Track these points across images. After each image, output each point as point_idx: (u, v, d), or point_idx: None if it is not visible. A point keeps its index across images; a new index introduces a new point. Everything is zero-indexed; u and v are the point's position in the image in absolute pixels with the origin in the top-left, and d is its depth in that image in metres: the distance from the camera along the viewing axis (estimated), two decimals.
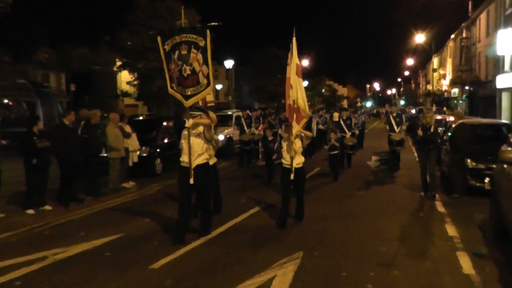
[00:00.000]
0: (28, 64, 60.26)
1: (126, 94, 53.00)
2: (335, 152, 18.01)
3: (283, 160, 11.58)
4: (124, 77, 53.86)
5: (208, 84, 10.41)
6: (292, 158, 11.27)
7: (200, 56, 10.27)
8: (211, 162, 11.78)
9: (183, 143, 10.29)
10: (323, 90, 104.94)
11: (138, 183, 16.57)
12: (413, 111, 50.81)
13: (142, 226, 11.68)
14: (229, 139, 25.53)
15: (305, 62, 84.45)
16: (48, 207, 13.00)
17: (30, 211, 12.56)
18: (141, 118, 26.11)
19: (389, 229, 11.01)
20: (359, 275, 8.08)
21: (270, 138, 17.37)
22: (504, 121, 27.86)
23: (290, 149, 11.24)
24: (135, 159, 16.78)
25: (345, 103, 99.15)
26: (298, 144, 11.32)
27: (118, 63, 48.80)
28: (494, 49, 39.33)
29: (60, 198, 13.51)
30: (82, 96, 55.46)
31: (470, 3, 46.91)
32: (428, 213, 12.51)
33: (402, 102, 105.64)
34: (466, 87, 52.97)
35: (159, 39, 10.66)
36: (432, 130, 14.45)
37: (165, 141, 20.16)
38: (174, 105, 47.35)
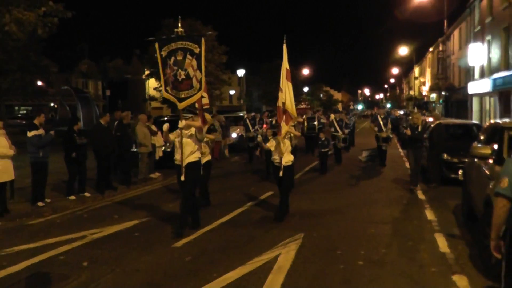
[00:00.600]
0: (71, 73, 60.62)
1: (153, 98, 52.95)
2: (325, 150, 17.71)
3: (273, 159, 10.89)
4: (152, 84, 54.06)
5: (200, 88, 9.79)
6: (281, 157, 10.57)
7: (194, 62, 9.68)
8: (205, 159, 11.39)
9: (176, 142, 9.71)
10: (321, 95, 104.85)
11: (163, 174, 16.54)
12: (401, 112, 50.37)
13: (166, 210, 11.66)
14: (240, 137, 25.52)
15: (306, 71, 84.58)
16: (87, 194, 13.01)
17: (72, 197, 12.58)
18: (165, 118, 26.11)
19: (377, 214, 10.97)
20: (351, 253, 8.04)
21: (269, 138, 16.43)
22: (474, 121, 27.90)
23: (279, 148, 10.59)
24: (161, 154, 16.78)
25: (339, 106, 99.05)
26: (287, 143, 10.70)
27: (147, 72, 48.99)
28: (466, 60, 39.67)
29: (97, 186, 13.53)
30: (116, 100, 55.67)
31: (445, 21, 47.19)
32: (410, 200, 12.45)
33: (388, 106, 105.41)
34: (443, 93, 53.07)
35: (156, 45, 10.05)
36: (419, 129, 13.81)
37: None
38: (195, 108, 47.50)
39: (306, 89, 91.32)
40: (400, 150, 25.54)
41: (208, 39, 45.41)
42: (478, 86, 37.01)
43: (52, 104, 53.94)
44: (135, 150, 15.53)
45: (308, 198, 12.88)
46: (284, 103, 10.68)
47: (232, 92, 71.62)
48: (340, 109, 77.40)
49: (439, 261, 7.59)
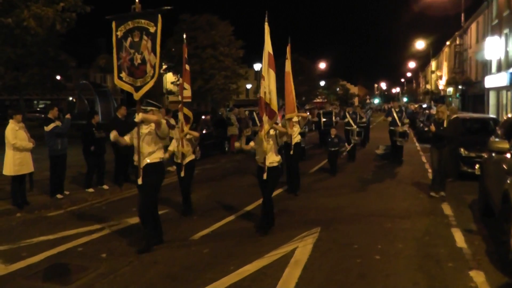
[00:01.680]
0: (90, 68, 61.00)
1: (170, 92, 53.31)
2: (335, 148, 16.07)
3: (256, 159, 9.35)
4: (169, 78, 54.30)
5: (154, 75, 8.07)
6: (264, 157, 8.95)
7: (149, 44, 8.01)
8: (188, 159, 10.50)
9: (134, 140, 8.25)
10: (338, 89, 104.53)
11: None
12: (424, 105, 49.64)
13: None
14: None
15: (322, 65, 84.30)
16: (105, 187, 13.09)
17: (91, 190, 12.66)
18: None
19: (393, 209, 10.90)
20: (368, 247, 8.01)
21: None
22: (491, 115, 27.70)
23: (262, 147, 8.92)
24: None
25: (356, 101, 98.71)
26: (271, 142, 9.06)
27: (164, 66, 49.12)
28: (483, 54, 39.28)
29: (115, 179, 13.60)
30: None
31: (462, 15, 46.94)
32: (426, 195, 12.35)
33: (405, 100, 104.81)
34: (459, 87, 52.64)
35: (113, 24, 8.36)
36: (445, 125, 12.17)
37: (204, 131, 20.22)
38: (211, 102, 47.61)
39: (322, 83, 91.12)
40: (417, 144, 25.41)
41: (225, 34, 45.51)
42: (495, 80, 36.70)
43: (70, 98, 54.32)
44: None
45: (324, 193, 12.86)
46: (266, 93, 9.20)
47: (248, 86, 71.66)
48: (357, 103, 77.12)
49: (456, 256, 7.53)
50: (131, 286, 6.47)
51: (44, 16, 18.79)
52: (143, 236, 8.17)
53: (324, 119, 24.21)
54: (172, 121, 16.01)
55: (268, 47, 9.35)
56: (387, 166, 17.95)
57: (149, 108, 8.17)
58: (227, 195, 12.70)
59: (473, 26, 48.29)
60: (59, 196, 11.83)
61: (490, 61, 39.16)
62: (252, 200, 11.57)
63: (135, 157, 8.11)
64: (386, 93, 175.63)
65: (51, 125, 11.53)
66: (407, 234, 8.82)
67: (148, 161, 8.01)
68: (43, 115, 41.50)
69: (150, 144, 8.05)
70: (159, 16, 7.93)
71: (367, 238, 8.59)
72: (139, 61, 8.11)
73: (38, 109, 54.53)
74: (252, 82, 70.68)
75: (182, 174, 10.03)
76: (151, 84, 8.12)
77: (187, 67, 10.77)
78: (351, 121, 20.04)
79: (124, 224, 9.67)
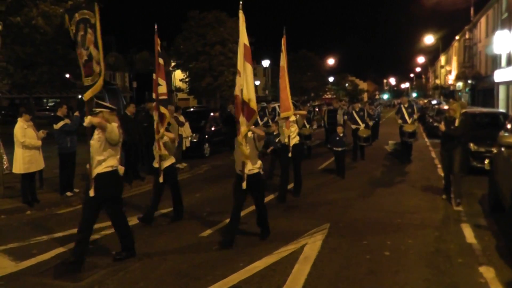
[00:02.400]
0: None
1: (179, 89, 53.38)
2: (342, 148, 14.46)
3: (235, 166, 8.46)
4: (178, 75, 54.41)
5: (100, 72, 7.20)
6: (243, 163, 8.02)
7: (93, 37, 7.13)
8: (168, 163, 9.70)
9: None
10: (347, 85, 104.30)
11: (190, 164, 16.63)
12: (434, 101, 49.20)
13: (193, 200, 11.73)
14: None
15: (331, 61, 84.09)
16: None
17: None
18: (192, 109, 26.22)
19: (403, 204, 10.89)
20: (377, 243, 8.01)
21: (275, 133, 13.30)
22: (501, 110, 27.58)
23: (240, 152, 8.00)
24: (188, 144, 16.90)
25: (365, 96, 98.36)
26: (250, 146, 8.06)
27: (173, 64, 49.22)
28: (492, 48, 39.04)
29: (125, 176, 13.61)
30: (143, 92, 55.99)
31: (472, 9, 46.69)
32: (436, 190, 12.29)
33: (414, 95, 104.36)
34: (469, 81, 52.41)
35: (66, 18, 7.64)
36: (456, 124, 10.85)
37: (213, 129, 20.31)
38: (220, 98, 47.69)
39: (331, 79, 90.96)
40: (426, 139, 25.31)
41: (234, 31, 45.49)
42: (505, 74, 36.48)
43: (79, 96, 54.48)
44: None
45: (333, 189, 12.86)
46: (242, 91, 8.02)
47: (257, 83, 71.67)
48: (366, 99, 76.88)
49: (466, 252, 7.51)
50: (141, 283, 6.49)
51: (52, 14, 18.84)
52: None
53: (328, 116, 22.48)
54: (181, 118, 16.04)
55: (243, 38, 8.17)
56: (396, 162, 17.86)
57: (98, 109, 7.30)
58: None
59: (483, 20, 48.04)
60: (68, 193, 11.88)
61: (500, 55, 38.99)
62: None
63: (87, 165, 7.32)
64: (395, 88, 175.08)
65: (60, 123, 11.56)
66: (417, 230, 8.80)
67: (98, 171, 7.17)
68: (52, 113, 41.83)
69: (98, 150, 7.20)
70: (95, 4, 7.10)
71: (377, 234, 8.58)
72: (85, 57, 7.37)
73: (47, 107, 54.74)
74: (260, 79, 70.73)
75: (161, 179, 9.39)
76: (100, 82, 7.26)
77: (161, 61, 9.91)
78: (358, 119, 18.36)
79: (134, 221, 9.68)
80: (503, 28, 37.26)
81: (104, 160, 7.19)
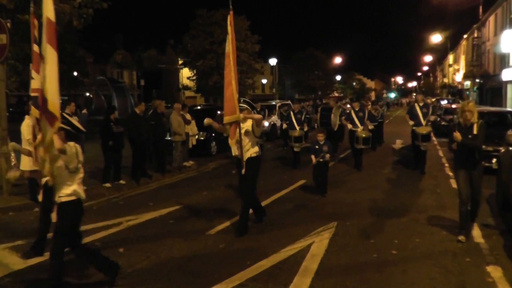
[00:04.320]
0: (107, 64, 61.32)
1: (186, 87, 53.39)
2: (321, 159, 11.71)
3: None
4: (185, 74, 54.58)
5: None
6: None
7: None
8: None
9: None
10: (354, 83, 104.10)
11: (197, 162, 16.63)
12: (444, 101, 48.72)
13: (200, 198, 11.74)
14: (273, 126, 25.49)
15: (338, 59, 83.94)
16: (122, 182, 13.16)
17: (108, 185, 12.73)
18: (199, 107, 26.28)
19: (410, 203, 10.84)
20: (385, 242, 7.99)
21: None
22: (509, 109, 27.49)
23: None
24: (194, 142, 16.88)
25: (373, 95, 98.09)
26: (60, 163, 5.89)
27: (180, 62, 49.37)
28: (501, 47, 38.93)
29: (133, 174, 13.65)
30: (151, 90, 56.18)
31: (480, 7, 46.55)
32: (443, 189, 12.25)
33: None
34: (477, 80, 52.22)
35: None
36: (475, 131, 7.98)
37: None
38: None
39: (338, 78, 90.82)
40: (434, 138, 25.18)
41: (241, 29, 45.55)
42: None
43: (87, 94, 54.68)
44: (170, 138, 15.63)
45: (340, 188, 12.81)
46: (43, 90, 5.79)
47: (264, 81, 71.73)
48: (373, 97, 76.68)
49: (473, 251, 7.48)
50: (148, 280, 6.51)
51: (60, 12, 18.88)
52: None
53: (322, 116, 18.92)
54: (188, 116, 16.06)
55: (47, 11, 6.05)
56: (403, 160, 17.79)
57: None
58: None
59: (491, 18, 47.88)
60: None
61: (508, 54, 38.82)
62: (267, 196, 11.59)
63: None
64: (402, 87, 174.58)
65: None
66: (424, 228, 8.77)
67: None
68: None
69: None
70: None
71: (384, 232, 8.57)
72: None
73: None
74: (268, 77, 70.67)
75: (40, 198, 7.44)
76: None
77: (36, 48, 7.83)
78: (356, 121, 15.87)
79: (141, 219, 9.72)
80: None
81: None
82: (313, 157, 11.83)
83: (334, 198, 11.51)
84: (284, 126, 17.88)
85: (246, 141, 8.71)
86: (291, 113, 17.09)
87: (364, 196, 11.71)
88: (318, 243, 7.92)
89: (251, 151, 8.75)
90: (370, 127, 16.74)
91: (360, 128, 15.72)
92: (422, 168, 14.69)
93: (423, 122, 14.54)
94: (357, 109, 16.28)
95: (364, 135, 15.46)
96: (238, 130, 8.56)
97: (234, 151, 8.90)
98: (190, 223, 9.41)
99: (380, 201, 11.14)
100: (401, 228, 8.81)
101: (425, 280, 6.37)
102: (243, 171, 8.70)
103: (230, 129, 8.78)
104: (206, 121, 8.81)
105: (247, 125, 8.73)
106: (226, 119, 8.60)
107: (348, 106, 23.88)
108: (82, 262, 6.80)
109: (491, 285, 6.20)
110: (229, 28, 8.60)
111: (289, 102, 26.74)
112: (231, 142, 8.78)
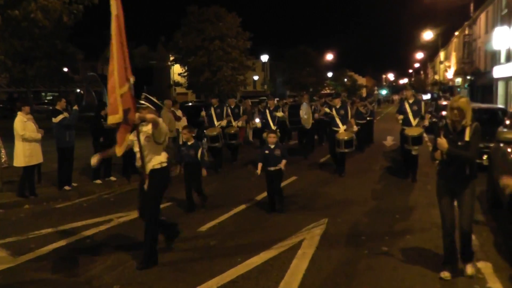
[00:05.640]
0: (97, 60, 61.11)
1: (178, 84, 53.31)
2: (273, 168, 9.79)
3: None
4: (176, 70, 54.42)
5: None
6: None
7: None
8: None
9: None
10: (345, 80, 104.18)
11: None
12: (427, 96, 48.38)
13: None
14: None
15: (330, 56, 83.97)
16: (113, 178, 13.13)
17: (98, 181, 12.70)
18: (190, 104, 26.24)
19: (401, 200, 10.88)
20: (376, 239, 8.00)
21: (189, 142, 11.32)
22: (499, 106, 27.61)
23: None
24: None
25: (364, 92, 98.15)
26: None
27: (172, 58, 49.27)
28: (492, 44, 39.10)
29: (124, 171, 13.61)
30: (142, 87, 56.01)
31: (471, 5, 46.73)
32: (434, 186, 12.26)
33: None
34: (468, 77, 52.51)
35: None
36: (467, 136, 6.13)
37: None
38: (219, 93, 47.73)
39: (330, 74, 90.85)
40: (424, 134, 25.18)
41: (233, 26, 45.57)
42: (504, 70, 36.57)
43: (78, 90, 54.48)
44: None
45: (331, 184, 12.83)
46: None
47: (256, 77, 71.76)
48: (365, 94, 76.80)
49: None
50: (139, 278, 6.48)
51: (51, 8, 18.77)
52: None
53: (290, 114, 16.36)
54: (179, 113, 16.02)
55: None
56: (394, 158, 17.82)
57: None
58: (235, 187, 12.72)
59: (482, 16, 48.10)
60: (67, 188, 11.89)
61: (499, 51, 39.07)
62: (258, 192, 11.56)
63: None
64: (394, 84, 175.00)
65: (60, 117, 11.57)
66: (415, 225, 8.80)
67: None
68: (51, 107, 41.93)
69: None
70: None
71: (375, 229, 8.59)
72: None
73: (46, 101, 54.76)
74: (259, 74, 70.67)
75: None
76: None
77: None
78: (338, 121, 13.78)
79: (132, 216, 9.66)
80: (503, 24, 37.36)
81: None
82: (259, 165, 9.93)
83: (325, 195, 11.53)
84: (259, 125, 17.01)
85: (147, 149, 6.99)
86: (267, 111, 15.38)
87: (355, 192, 11.73)
88: (309, 240, 7.92)
89: (154, 161, 7.02)
90: (355, 128, 14.47)
91: (342, 128, 13.69)
92: (414, 175, 13.06)
93: (413, 122, 12.87)
94: (338, 106, 13.91)
95: (346, 138, 13.38)
96: (137, 135, 6.92)
97: (137, 161, 7.19)
98: (181, 220, 9.36)
99: (371, 198, 11.16)
100: (392, 225, 8.83)
101: (415, 276, 6.38)
102: (145, 186, 6.97)
103: (117, 134, 6.93)
104: (93, 162, 7.57)
105: (148, 128, 6.93)
106: (109, 119, 6.96)
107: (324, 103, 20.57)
108: (73, 260, 6.77)
109: (481, 281, 6.21)
110: (112, 2, 6.94)
111: (265, 98, 24.39)
112: (118, 150, 6.95)
